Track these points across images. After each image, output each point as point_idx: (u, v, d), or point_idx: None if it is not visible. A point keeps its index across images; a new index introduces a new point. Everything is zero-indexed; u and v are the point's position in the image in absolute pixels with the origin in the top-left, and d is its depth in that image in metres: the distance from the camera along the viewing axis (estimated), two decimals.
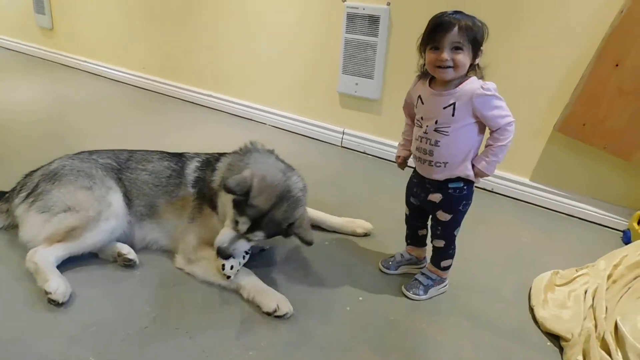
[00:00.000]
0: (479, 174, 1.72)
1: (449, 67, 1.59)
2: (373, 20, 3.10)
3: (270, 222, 1.76)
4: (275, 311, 1.75)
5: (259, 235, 1.78)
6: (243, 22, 3.85)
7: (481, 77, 1.66)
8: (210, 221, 1.97)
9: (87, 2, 4.99)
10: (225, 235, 1.78)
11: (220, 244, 1.76)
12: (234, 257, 1.81)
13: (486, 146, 1.70)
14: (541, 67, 2.66)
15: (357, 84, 3.31)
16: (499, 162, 1.70)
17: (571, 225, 2.67)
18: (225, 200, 1.87)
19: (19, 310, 1.68)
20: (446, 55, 1.58)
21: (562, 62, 2.59)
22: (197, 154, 2.19)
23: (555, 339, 1.75)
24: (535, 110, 2.72)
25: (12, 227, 2.02)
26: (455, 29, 1.57)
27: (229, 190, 1.70)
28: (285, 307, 1.76)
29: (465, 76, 1.66)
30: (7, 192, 2.09)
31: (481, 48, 1.62)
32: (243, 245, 1.81)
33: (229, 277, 1.82)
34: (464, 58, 1.59)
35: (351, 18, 3.18)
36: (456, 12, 1.60)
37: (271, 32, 3.71)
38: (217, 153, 2.14)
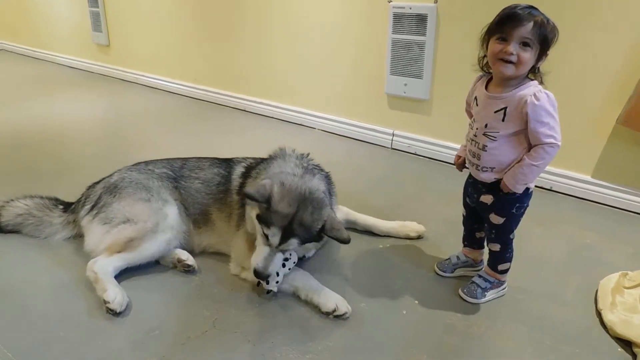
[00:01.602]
0: (503, 186, 1.65)
1: (512, 62, 1.52)
2: (420, 19, 3.06)
3: (299, 226, 1.74)
4: (334, 311, 1.75)
5: (293, 243, 1.76)
6: (288, 29, 3.90)
7: (540, 83, 1.58)
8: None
9: (141, 19, 5.21)
10: (259, 255, 1.78)
11: (256, 266, 1.76)
12: (277, 274, 1.81)
13: (519, 160, 1.61)
14: (601, 57, 2.53)
15: (405, 84, 3.28)
16: (528, 182, 1.63)
17: (639, 223, 2.53)
18: (250, 216, 1.88)
19: (87, 314, 1.76)
20: (512, 48, 1.50)
21: (623, 53, 2.46)
22: (245, 159, 2.22)
23: (627, 344, 1.66)
24: (596, 104, 2.59)
25: (79, 237, 2.13)
26: (530, 24, 1.49)
27: (248, 197, 1.72)
28: (344, 306, 1.77)
29: (525, 78, 1.58)
30: (73, 204, 2.21)
31: (547, 52, 1.54)
32: (279, 260, 1.80)
33: (269, 291, 1.83)
34: (529, 57, 1.51)
35: (398, 18, 3.15)
36: (530, 6, 1.52)
37: (316, 36, 3.73)
38: (260, 158, 2.17)
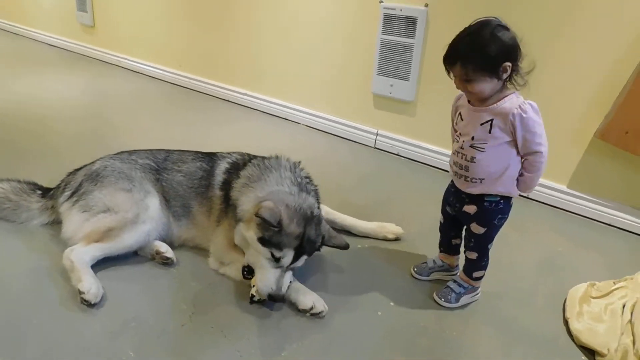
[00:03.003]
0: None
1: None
2: (410, 21, 3.08)
3: (308, 243, 1.80)
4: (311, 309, 1.78)
5: (302, 260, 1.82)
6: (278, 22, 3.88)
7: (524, 84, 1.59)
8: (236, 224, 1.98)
9: (127, 0, 5.11)
10: (269, 278, 1.75)
11: (271, 291, 1.74)
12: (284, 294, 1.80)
13: (519, 176, 1.68)
14: (582, 71, 2.59)
15: (392, 85, 3.30)
16: (532, 188, 1.70)
17: (609, 235, 2.60)
18: (244, 236, 1.85)
19: (62, 302, 1.75)
20: (460, 85, 1.59)
21: (605, 66, 2.52)
22: (229, 154, 2.21)
23: (590, 353, 1.72)
24: (575, 116, 2.66)
25: (57, 223, 2.10)
26: (458, 64, 1.54)
27: (264, 220, 1.69)
28: (321, 305, 1.80)
29: (505, 89, 1.60)
30: (52, 189, 2.18)
31: (505, 65, 1.52)
32: (289, 277, 1.82)
33: (259, 300, 1.81)
34: (478, 87, 1.55)
35: (388, 19, 3.17)
36: (473, 32, 1.53)
37: (306, 32, 3.73)
38: (248, 155, 2.17)
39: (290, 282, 1.84)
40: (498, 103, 1.59)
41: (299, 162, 2.10)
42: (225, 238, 1.98)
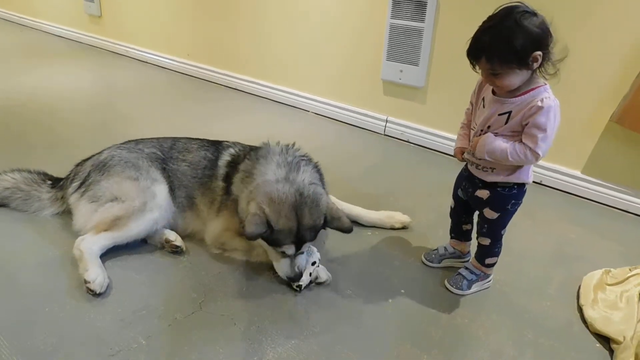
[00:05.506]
0: (473, 145, 1.63)
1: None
2: (420, 4, 3.02)
3: (307, 230, 1.75)
4: (316, 278, 1.86)
5: (307, 245, 1.81)
6: (286, 8, 3.84)
7: (554, 72, 1.50)
8: (236, 217, 1.95)
9: None
10: (284, 267, 1.80)
11: (289, 275, 1.80)
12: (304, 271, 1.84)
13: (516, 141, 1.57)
14: (598, 55, 2.53)
15: (401, 71, 3.25)
16: (489, 156, 1.58)
17: (625, 221, 2.56)
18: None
19: (74, 291, 1.76)
20: (487, 79, 1.53)
21: (621, 49, 2.45)
22: (234, 144, 2.19)
23: (605, 340, 1.69)
24: (590, 99, 2.60)
25: (68, 213, 2.11)
26: (483, 58, 1.47)
27: (254, 238, 1.70)
28: (324, 274, 1.88)
29: (535, 79, 1.53)
30: (62, 180, 2.18)
31: (536, 54, 1.43)
32: (303, 259, 1.83)
33: (298, 286, 1.83)
34: (507, 80, 1.48)
35: (397, 3, 3.12)
36: (496, 22, 1.44)
37: (314, 18, 3.68)
38: (249, 147, 2.14)
39: (316, 262, 1.88)
40: (524, 96, 1.53)
41: (293, 143, 2.05)
42: (224, 226, 1.98)
